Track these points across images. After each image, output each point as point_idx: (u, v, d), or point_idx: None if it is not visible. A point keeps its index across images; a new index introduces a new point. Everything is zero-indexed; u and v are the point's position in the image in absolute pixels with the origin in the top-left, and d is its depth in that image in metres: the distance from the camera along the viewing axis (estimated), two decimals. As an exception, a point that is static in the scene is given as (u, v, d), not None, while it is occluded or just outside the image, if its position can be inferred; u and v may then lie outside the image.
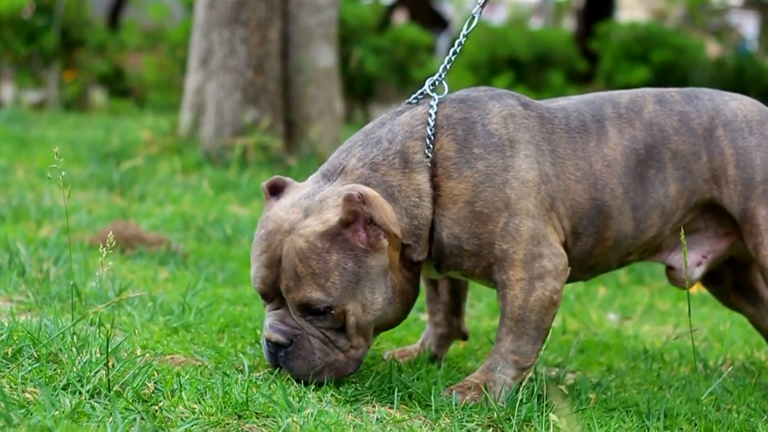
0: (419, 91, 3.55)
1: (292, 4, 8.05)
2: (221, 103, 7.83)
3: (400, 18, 20.01)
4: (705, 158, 3.58)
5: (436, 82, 3.55)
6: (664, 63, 14.42)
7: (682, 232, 3.37)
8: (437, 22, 21.32)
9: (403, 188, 3.35)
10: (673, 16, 19.24)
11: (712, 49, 17.92)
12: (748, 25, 22.42)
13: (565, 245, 3.47)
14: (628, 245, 3.57)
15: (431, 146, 3.38)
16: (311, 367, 3.32)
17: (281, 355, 3.35)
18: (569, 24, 20.78)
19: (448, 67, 3.59)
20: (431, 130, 3.40)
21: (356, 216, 3.21)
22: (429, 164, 3.37)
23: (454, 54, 3.63)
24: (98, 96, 13.01)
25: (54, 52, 11.94)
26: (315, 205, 3.29)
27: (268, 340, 3.36)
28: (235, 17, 7.80)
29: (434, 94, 3.51)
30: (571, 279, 3.63)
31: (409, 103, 3.54)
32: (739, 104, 3.66)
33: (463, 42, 3.66)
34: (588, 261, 3.57)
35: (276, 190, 3.44)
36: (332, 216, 3.23)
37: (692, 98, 3.66)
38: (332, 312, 3.26)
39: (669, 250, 3.65)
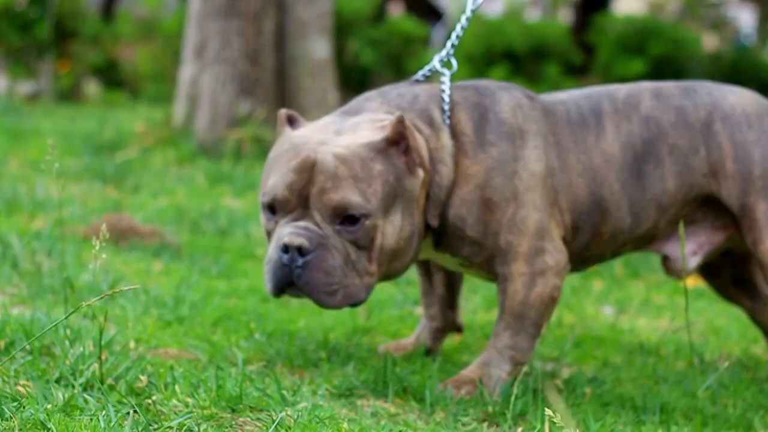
0: (426, 67, 3.53)
1: (288, -4, 8.04)
2: (216, 94, 7.82)
3: (396, 10, 20.00)
4: (703, 153, 3.56)
5: (444, 59, 3.53)
6: (660, 56, 14.41)
7: (682, 226, 3.36)
8: (432, 14, 21.32)
9: (432, 141, 3.31)
10: (670, 9, 19.24)
11: (709, 42, 17.92)
12: (745, 18, 22.44)
13: (564, 240, 3.46)
14: (623, 238, 3.57)
15: (448, 118, 3.35)
16: (329, 284, 3.17)
17: (298, 266, 3.16)
18: (566, 16, 20.76)
19: (456, 43, 3.55)
20: (448, 98, 3.37)
21: (401, 138, 3.18)
22: (449, 133, 3.34)
23: (462, 29, 3.59)
24: (92, 87, 12.98)
25: (48, 43, 11.92)
26: (347, 127, 3.25)
27: (286, 248, 3.16)
28: (230, 8, 7.78)
29: (444, 69, 3.48)
30: (566, 272, 3.63)
31: (416, 80, 3.52)
32: (738, 98, 3.64)
33: (470, 17, 3.62)
34: (584, 254, 3.57)
35: (293, 122, 3.38)
36: (371, 134, 3.18)
37: (690, 92, 3.64)
38: (367, 222, 3.15)
39: (664, 239, 3.64)
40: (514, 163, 3.35)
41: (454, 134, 3.35)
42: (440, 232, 3.39)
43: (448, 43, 3.56)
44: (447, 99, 3.38)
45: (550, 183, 3.40)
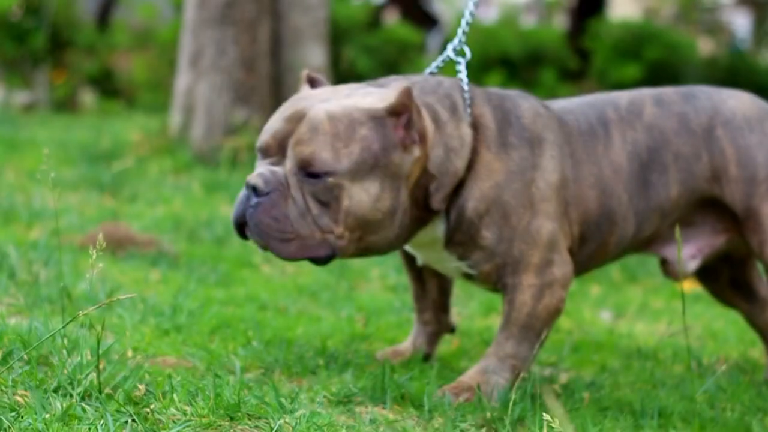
0: (440, 58, 3.51)
1: (282, 4, 8.04)
2: (211, 103, 7.82)
3: (391, 17, 20.00)
4: (705, 158, 3.56)
5: (457, 48, 3.51)
6: (656, 60, 14.42)
7: (677, 229, 3.36)
8: (428, 21, 21.32)
9: (449, 126, 3.26)
10: (665, 14, 19.25)
11: (705, 46, 17.93)
12: (740, 22, 22.46)
13: (570, 251, 3.45)
14: (625, 245, 3.57)
15: (470, 106, 3.31)
16: (279, 231, 3.14)
17: (251, 205, 3.16)
18: (561, 22, 20.78)
19: (466, 30, 3.53)
20: (467, 86, 3.35)
21: (403, 111, 3.13)
22: (471, 124, 3.30)
23: (471, 15, 3.58)
24: (88, 97, 12.97)
25: (43, 53, 11.92)
26: (360, 93, 3.22)
27: (246, 185, 3.18)
28: (225, 17, 7.78)
29: (459, 58, 3.47)
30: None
31: (431, 73, 3.51)
32: (738, 102, 3.65)
33: (477, 1, 3.62)
34: (588, 264, 3.57)
35: (314, 83, 3.38)
36: (377, 101, 3.15)
37: (690, 98, 3.64)
38: (329, 180, 3.12)
39: (663, 241, 3.64)
40: (532, 171, 3.33)
41: (477, 126, 3.31)
42: (455, 227, 3.34)
43: (459, 31, 3.53)
44: (467, 87, 3.35)
45: (563, 194, 3.38)
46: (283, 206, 3.14)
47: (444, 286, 3.82)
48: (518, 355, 3.40)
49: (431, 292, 3.81)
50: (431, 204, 3.26)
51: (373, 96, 3.20)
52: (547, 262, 3.34)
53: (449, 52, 3.50)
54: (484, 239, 3.32)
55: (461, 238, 3.35)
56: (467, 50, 3.51)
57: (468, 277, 3.46)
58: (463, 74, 3.41)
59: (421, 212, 3.28)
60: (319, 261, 3.20)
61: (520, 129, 3.35)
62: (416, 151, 3.17)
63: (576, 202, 3.42)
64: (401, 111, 3.13)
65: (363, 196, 3.12)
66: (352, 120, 3.12)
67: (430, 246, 3.43)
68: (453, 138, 3.26)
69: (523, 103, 3.42)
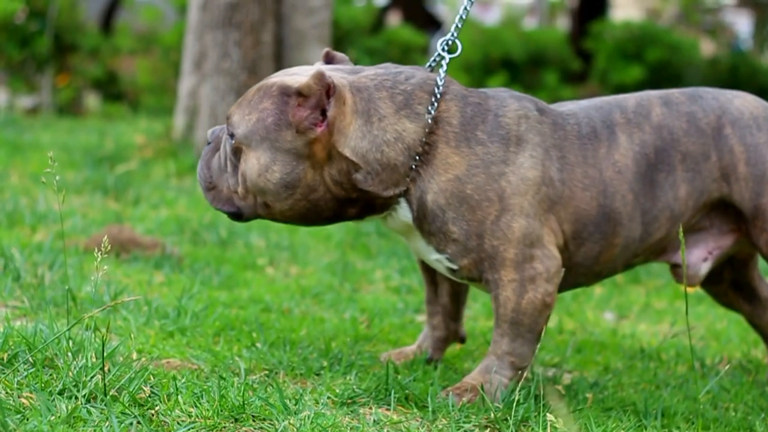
0: (433, 57, 3.57)
1: (286, 6, 8.04)
2: (215, 106, 7.82)
3: (394, 19, 20.01)
4: (714, 158, 3.57)
5: (449, 43, 3.56)
6: (658, 62, 14.42)
7: (681, 230, 3.37)
8: (431, 23, 21.31)
9: (385, 121, 3.35)
10: (667, 15, 19.26)
11: (706, 47, 17.93)
12: (741, 23, 22.46)
13: (566, 248, 3.46)
14: (635, 249, 3.56)
15: (435, 103, 3.38)
16: (204, 179, 3.48)
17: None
18: (563, 23, 20.78)
19: (460, 26, 3.59)
20: (441, 80, 3.41)
21: (309, 93, 3.26)
22: (430, 120, 3.37)
23: (466, 11, 3.63)
24: (92, 100, 12.98)
25: (47, 56, 11.91)
26: (307, 72, 3.38)
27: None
28: (229, 20, 7.78)
29: (446, 54, 3.53)
30: (576, 285, 3.63)
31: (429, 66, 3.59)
32: (743, 101, 3.66)
33: (472, 2, 3.66)
34: (594, 267, 3.56)
35: (330, 60, 3.56)
36: (303, 80, 3.29)
37: (696, 98, 3.65)
38: (233, 141, 3.35)
39: (674, 249, 3.64)
40: (502, 165, 3.36)
41: (438, 121, 3.38)
42: (420, 217, 3.40)
43: (452, 27, 3.59)
44: (440, 83, 3.41)
45: (545, 192, 3.39)
46: (212, 158, 3.49)
47: (456, 292, 3.82)
48: (515, 351, 3.41)
49: (442, 297, 3.82)
50: (358, 185, 3.35)
51: (304, 75, 3.35)
52: (525, 257, 3.36)
53: (438, 47, 3.56)
54: (453, 233, 3.37)
55: (431, 229, 3.40)
56: (459, 45, 3.57)
57: (452, 272, 3.49)
58: (442, 70, 3.46)
59: (356, 193, 3.37)
60: (230, 216, 3.48)
61: (494, 126, 3.40)
62: (312, 134, 3.27)
63: (565, 201, 3.43)
64: (306, 93, 3.26)
65: (253, 162, 3.32)
66: (266, 92, 3.33)
67: (408, 234, 3.50)
68: (387, 131, 3.34)
69: (512, 104, 3.46)
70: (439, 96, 3.39)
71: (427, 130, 3.36)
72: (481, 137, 3.38)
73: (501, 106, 3.44)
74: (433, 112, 3.37)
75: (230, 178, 3.41)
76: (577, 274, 3.55)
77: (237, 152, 3.37)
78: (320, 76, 3.24)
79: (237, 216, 3.46)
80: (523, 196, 3.35)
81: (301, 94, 3.27)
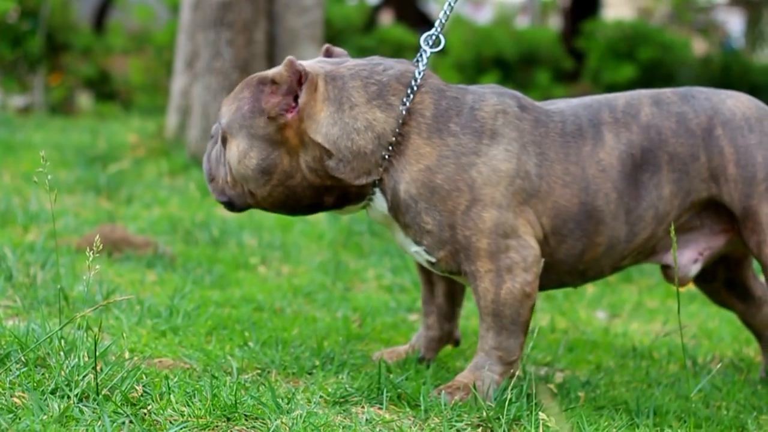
0: (419, 53, 3.60)
1: (278, 6, 8.03)
2: (207, 105, 7.82)
3: (386, 18, 20.01)
4: (703, 158, 3.56)
5: (432, 37, 3.61)
6: (650, 61, 14.43)
7: (672, 229, 3.37)
8: (423, 22, 21.33)
9: (356, 109, 3.42)
10: (659, 14, 19.27)
11: (698, 46, 17.95)
12: (733, 22, 22.48)
13: (546, 243, 3.47)
14: (621, 249, 3.56)
15: (411, 95, 3.44)
16: (207, 171, 3.60)
17: None
18: (555, 23, 20.80)
19: (444, 21, 3.63)
20: (419, 73, 3.47)
21: (283, 81, 3.38)
22: (404, 111, 3.42)
23: (450, 7, 3.68)
24: (84, 99, 12.96)
25: (39, 56, 11.89)
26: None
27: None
28: (221, 19, 7.78)
29: (428, 48, 3.58)
30: (562, 284, 3.64)
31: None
32: (736, 102, 3.65)
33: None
34: (578, 266, 3.56)
35: (329, 55, 3.67)
36: (279, 70, 3.40)
37: (689, 98, 3.65)
38: (221, 131, 3.49)
39: (664, 250, 3.63)
40: (473, 156, 3.39)
41: (412, 113, 3.43)
42: (394, 207, 3.45)
43: (437, 22, 3.63)
44: (418, 76, 3.47)
45: (519, 184, 3.41)
46: (210, 149, 3.60)
47: (452, 292, 3.83)
48: (501, 345, 3.42)
49: (438, 296, 3.83)
50: (330, 172, 3.41)
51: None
52: (500, 248, 3.37)
53: (422, 41, 3.61)
54: (426, 224, 3.40)
55: (406, 220, 3.44)
56: (442, 40, 3.61)
57: (432, 265, 3.50)
58: (422, 63, 3.52)
59: (330, 181, 3.44)
60: (225, 206, 3.58)
61: (469, 119, 3.43)
62: (282, 119, 3.37)
63: (543, 196, 3.44)
64: (278, 80, 3.38)
65: (234, 150, 3.45)
66: (247, 83, 3.47)
67: (391, 226, 3.54)
68: (357, 120, 3.41)
69: (491, 99, 3.49)
70: (415, 88, 3.45)
71: (400, 120, 3.41)
72: (454, 129, 3.42)
73: (478, 101, 3.48)
74: (408, 103, 3.43)
75: (223, 166, 3.51)
76: (561, 272, 3.55)
77: (224, 141, 3.49)
78: (290, 64, 3.36)
79: (230, 205, 3.56)
80: (494, 187, 3.37)
81: (274, 81, 3.38)
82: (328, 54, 3.67)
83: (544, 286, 3.56)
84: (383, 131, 3.40)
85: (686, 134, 3.57)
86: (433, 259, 3.46)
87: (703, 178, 3.57)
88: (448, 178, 3.37)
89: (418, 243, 3.46)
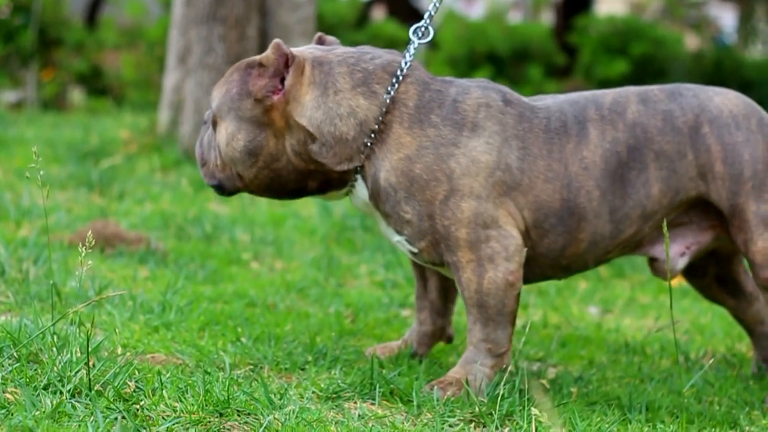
0: (409, 45, 3.62)
1: (270, 1, 8.02)
2: (200, 101, 7.80)
3: (379, 14, 20.00)
4: (691, 156, 3.56)
5: (421, 29, 3.65)
6: (642, 56, 14.44)
7: (665, 225, 3.38)
8: (415, 18, 21.32)
9: (340, 95, 3.45)
10: (651, 9, 19.28)
11: (691, 42, 17.96)
12: (726, 17, 22.50)
13: (528, 236, 3.47)
14: (605, 245, 3.56)
15: (396, 84, 3.47)
16: (199, 156, 3.63)
17: None
18: (548, 18, 20.79)
19: (433, 13, 3.68)
20: (404, 64, 3.51)
21: (269, 64, 3.42)
22: (388, 100, 3.45)
23: (439, 1, 3.73)
24: (76, 95, 12.94)
25: (32, 51, 11.87)
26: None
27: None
28: (213, 14, 7.77)
29: (415, 39, 3.62)
30: (545, 277, 3.64)
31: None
32: (724, 99, 3.64)
33: None
34: (561, 261, 3.56)
35: (321, 43, 3.71)
36: (267, 53, 3.44)
37: (676, 96, 3.64)
38: (212, 115, 3.53)
39: (651, 243, 3.63)
40: (452, 147, 3.41)
41: (395, 102, 3.47)
42: (374, 195, 3.48)
43: (426, 14, 3.68)
44: (404, 67, 3.50)
45: (500, 176, 3.42)
46: (202, 134, 3.65)
47: (445, 288, 3.83)
48: (489, 337, 3.43)
49: (431, 292, 3.83)
50: (316, 158, 3.45)
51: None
52: (480, 238, 3.39)
53: (411, 33, 3.65)
54: (406, 213, 3.43)
55: (387, 209, 3.47)
56: (431, 31, 3.66)
57: (414, 255, 3.52)
58: (409, 54, 3.55)
59: (314, 165, 3.48)
60: (215, 190, 3.62)
61: (450, 111, 3.46)
62: (268, 101, 3.42)
63: (524, 190, 3.45)
64: (265, 63, 3.43)
65: (223, 132, 3.49)
66: (237, 66, 3.53)
67: (371, 213, 3.58)
68: (341, 105, 3.45)
69: (475, 92, 3.51)
70: (400, 78, 3.48)
71: (383, 109, 3.45)
72: (435, 120, 3.45)
73: (462, 93, 3.50)
74: (392, 92, 3.46)
75: (214, 150, 3.56)
76: (543, 265, 3.56)
77: (215, 125, 3.54)
78: (277, 47, 3.41)
79: (220, 189, 3.60)
80: (473, 178, 3.39)
81: (261, 64, 3.43)
82: (321, 42, 3.70)
83: (527, 279, 3.56)
84: (365, 118, 3.44)
85: (672, 132, 3.56)
86: (415, 249, 3.47)
87: (691, 177, 3.56)
88: (426, 168, 3.40)
89: (399, 233, 3.48)
